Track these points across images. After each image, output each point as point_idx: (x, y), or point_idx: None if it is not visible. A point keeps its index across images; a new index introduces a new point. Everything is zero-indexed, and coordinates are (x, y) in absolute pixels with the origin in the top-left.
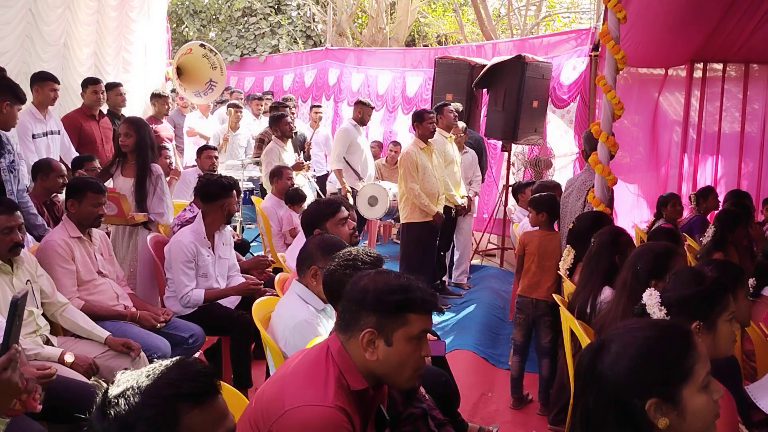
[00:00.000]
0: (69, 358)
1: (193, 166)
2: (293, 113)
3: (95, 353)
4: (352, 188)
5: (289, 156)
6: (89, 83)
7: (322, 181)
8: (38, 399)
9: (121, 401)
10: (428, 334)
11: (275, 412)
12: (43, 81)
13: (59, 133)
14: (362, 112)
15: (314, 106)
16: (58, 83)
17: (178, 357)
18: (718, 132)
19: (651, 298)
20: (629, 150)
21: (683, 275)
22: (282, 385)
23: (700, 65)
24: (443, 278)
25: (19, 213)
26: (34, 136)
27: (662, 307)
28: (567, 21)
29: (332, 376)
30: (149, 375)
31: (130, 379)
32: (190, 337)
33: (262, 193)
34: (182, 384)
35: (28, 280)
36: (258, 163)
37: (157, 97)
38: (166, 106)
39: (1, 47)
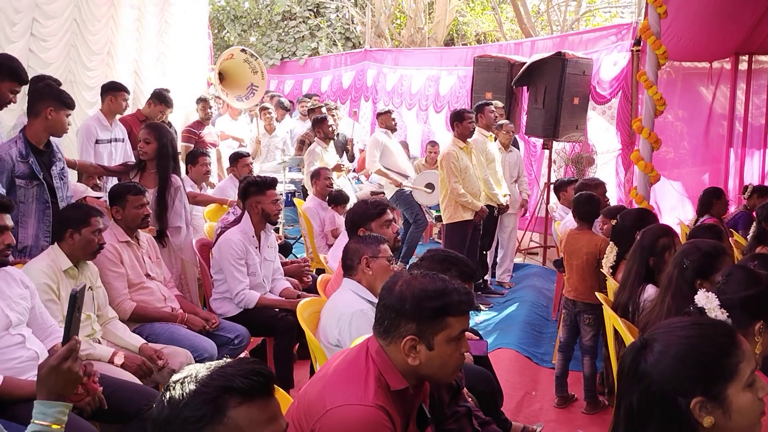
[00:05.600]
0: (119, 360)
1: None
2: (336, 116)
3: None
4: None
5: (330, 157)
6: (161, 102)
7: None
8: (97, 381)
9: (177, 386)
10: (471, 334)
11: (317, 412)
12: (118, 91)
13: (123, 141)
14: (384, 121)
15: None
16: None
17: (239, 356)
18: (765, 125)
19: (710, 301)
20: (673, 145)
21: (737, 276)
22: (323, 385)
23: (746, 57)
24: (485, 277)
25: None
26: (98, 141)
27: (723, 310)
28: (608, 16)
29: (372, 375)
30: (209, 368)
31: (192, 370)
32: (236, 338)
33: (304, 195)
34: (234, 378)
35: (89, 287)
36: (299, 164)
37: (199, 101)
38: (208, 110)
39: (49, 57)
